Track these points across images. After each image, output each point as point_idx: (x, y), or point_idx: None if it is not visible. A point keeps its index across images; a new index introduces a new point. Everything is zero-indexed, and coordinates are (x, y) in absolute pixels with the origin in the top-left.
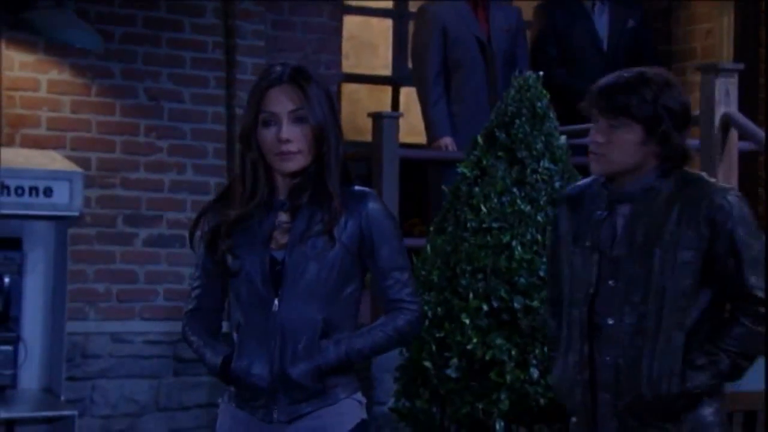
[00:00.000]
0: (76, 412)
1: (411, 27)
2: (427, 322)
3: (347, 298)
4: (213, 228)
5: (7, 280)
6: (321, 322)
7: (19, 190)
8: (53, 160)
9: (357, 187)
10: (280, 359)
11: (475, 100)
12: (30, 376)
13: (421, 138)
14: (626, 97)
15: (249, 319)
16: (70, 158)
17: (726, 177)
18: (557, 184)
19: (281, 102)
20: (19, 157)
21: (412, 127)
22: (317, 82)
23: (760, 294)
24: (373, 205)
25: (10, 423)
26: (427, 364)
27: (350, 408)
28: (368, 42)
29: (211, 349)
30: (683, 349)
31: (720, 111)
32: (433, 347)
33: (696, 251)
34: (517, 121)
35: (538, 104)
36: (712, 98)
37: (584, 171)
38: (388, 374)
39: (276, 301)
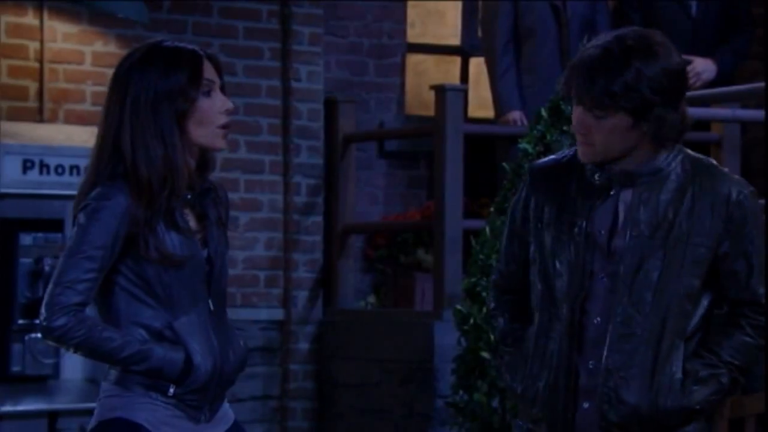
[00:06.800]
0: None
1: None
2: (485, 310)
3: None
4: (149, 219)
5: (47, 264)
6: (228, 319)
7: (60, 169)
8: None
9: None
10: (221, 358)
11: (548, 70)
12: (73, 366)
13: (492, 112)
14: (607, 84)
15: (186, 319)
16: None
17: None
18: None
19: (214, 72)
20: (60, 134)
21: (482, 101)
22: None
23: (763, 302)
24: (227, 197)
25: (52, 414)
26: (486, 354)
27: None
28: (435, 9)
29: (156, 346)
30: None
31: None
32: (491, 337)
33: (708, 249)
34: None
35: None
36: None
37: None
38: (450, 365)
39: (210, 301)
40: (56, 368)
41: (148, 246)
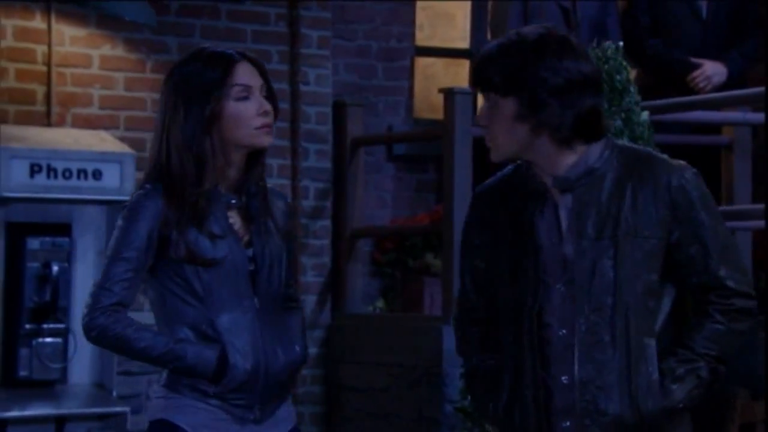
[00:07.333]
0: (128, 409)
1: None
2: None
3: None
4: (179, 219)
5: (55, 268)
6: (289, 320)
7: (67, 173)
8: (103, 141)
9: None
10: (266, 357)
11: None
12: (80, 371)
13: None
14: (488, 70)
15: (228, 317)
16: (124, 139)
17: None
18: None
19: (253, 75)
20: (67, 138)
21: None
22: None
23: (733, 285)
24: (289, 205)
25: (60, 420)
26: None
27: (290, 402)
28: (444, 11)
29: (190, 345)
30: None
31: None
32: None
33: (658, 239)
34: None
35: (617, 77)
36: None
37: (669, 150)
38: (458, 370)
39: (256, 300)
40: (64, 373)
41: (178, 246)
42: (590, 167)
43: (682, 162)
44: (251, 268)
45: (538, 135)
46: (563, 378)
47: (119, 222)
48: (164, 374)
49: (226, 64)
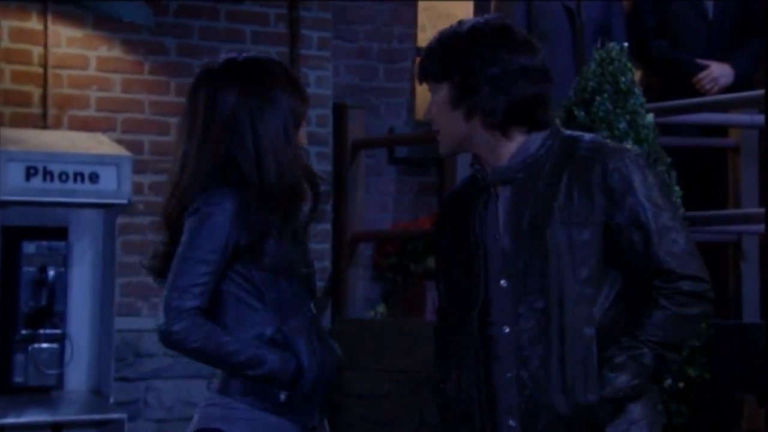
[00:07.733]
0: (125, 415)
1: None
2: None
3: None
4: (268, 228)
5: (51, 272)
6: (320, 321)
7: (64, 176)
8: (100, 144)
9: None
10: (322, 361)
11: (562, 75)
12: (77, 377)
13: None
14: (427, 60)
15: (294, 322)
16: (121, 141)
17: None
18: None
19: None
20: (64, 141)
21: None
22: None
23: (677, 268)
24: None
25: (56, 426)
26: None
27: None
28: (446, 12)
29: (269, 350)
30: (597, 348)
31: None
32: None
33: (595, 226)
34: (598, 98)
35: (622, 79)
36: None
37: (674, 152)
38: None
39: (312, 304)
40: (60, 379)
41: (255, 253)
42: (529, 157)
43: (625, 146)
44: (306, 271)
45: (471, 119)
46: (508, 375)
47: (191, 225)
48: (217, 379)
49: (290, 73)
